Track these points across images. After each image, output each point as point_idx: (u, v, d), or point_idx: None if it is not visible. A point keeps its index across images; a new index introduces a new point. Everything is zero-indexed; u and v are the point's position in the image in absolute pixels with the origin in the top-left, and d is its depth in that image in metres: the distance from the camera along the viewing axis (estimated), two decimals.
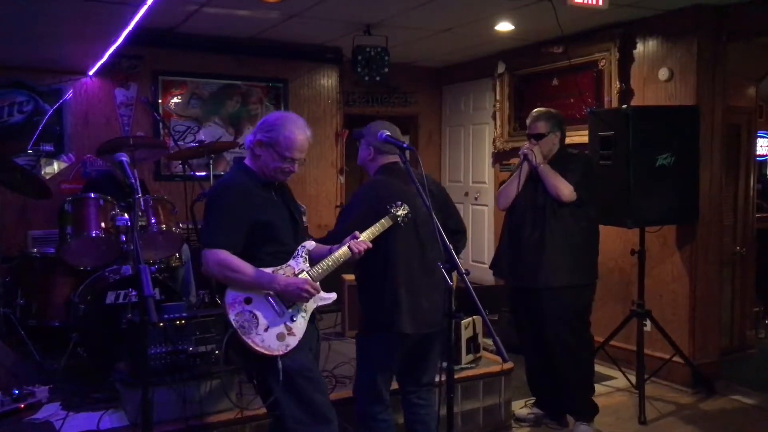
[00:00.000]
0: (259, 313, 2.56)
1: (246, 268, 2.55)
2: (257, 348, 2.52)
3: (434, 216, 2.62)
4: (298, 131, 2.63)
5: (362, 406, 3.14)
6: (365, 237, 2.77)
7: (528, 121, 4.00)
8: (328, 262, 2.70)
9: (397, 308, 2.97)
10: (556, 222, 3.79)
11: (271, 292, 2.58)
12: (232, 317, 2.52)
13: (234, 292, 2.57)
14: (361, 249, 2.73)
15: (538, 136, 3.89)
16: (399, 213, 2.85)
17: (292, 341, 2.58)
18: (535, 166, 3.82)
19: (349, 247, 2.71)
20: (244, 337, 2.51)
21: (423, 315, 3.02)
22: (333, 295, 2.75)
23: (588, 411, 3.95)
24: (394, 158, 3.12)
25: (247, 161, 2.72)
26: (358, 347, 3.17)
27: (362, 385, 3.15)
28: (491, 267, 4.14)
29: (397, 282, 2.98)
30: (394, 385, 3.22)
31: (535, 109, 4.01)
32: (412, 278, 3.01)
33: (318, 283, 2.67)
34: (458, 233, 3.21)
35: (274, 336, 2.55)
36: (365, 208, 3.00)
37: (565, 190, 3.74)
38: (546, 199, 3.80)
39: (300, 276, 2.64)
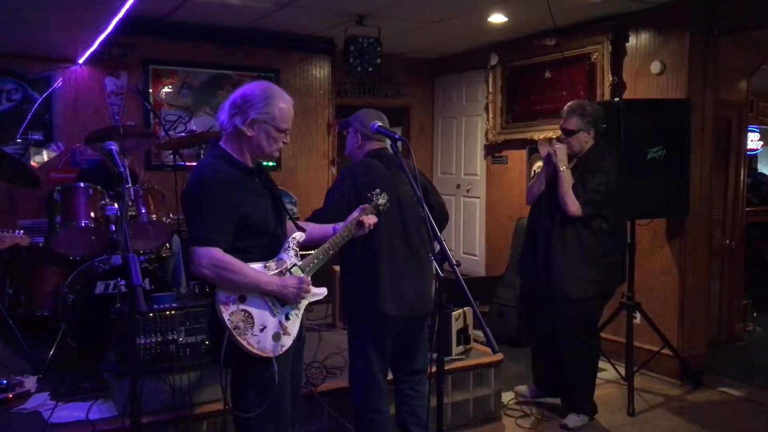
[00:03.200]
0: (254, 312, 2.40)
1: (243, 267, 2.38)
2: (252, 349, 2.36)
3: (425, 208, 2.58)
4: (287, 99, 2.53)
5: (357, 396, 3.13)
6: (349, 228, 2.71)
7: (562, 113, 3.86)
8: (326, 248, 2.62)
9: (377, 288, 2.96)
10: (570, 232, 3.73)
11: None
12: (226, 317, 2.35)
13: (227, 290, 2.39)
14: (371, 222, 2.71)
15: (569, 133, 3.77)
16: (380, 202, 2.82)
17: (287, 341, 2.46)
18: (557, 168, 3.71)
19: (359, 221, 2.68)
20: (239, 338, 2.36)
21: (407, 298, 3.02)
22: (324, 290, 2.64)
23: (589, 409, 3.99)
24: (381, 144, 3.13)
25: (225, 145, 2.49)
26: (349, 335, 3.17)
27: (355, 373, 3.14)
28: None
29: (378, 263, 2.97)
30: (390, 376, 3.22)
31: (571, 102, 3.88)
32: (396, 261, 3.01)
33: (309, 278, 2.59)
34: (441, 222, 3.21)
35: (270, 336, 2.41)
36: (349, 188, 3.00)
37: (572, 207, 3.66)
38: (561, 207, 3.74)
39: (292, 270, 2.52)
